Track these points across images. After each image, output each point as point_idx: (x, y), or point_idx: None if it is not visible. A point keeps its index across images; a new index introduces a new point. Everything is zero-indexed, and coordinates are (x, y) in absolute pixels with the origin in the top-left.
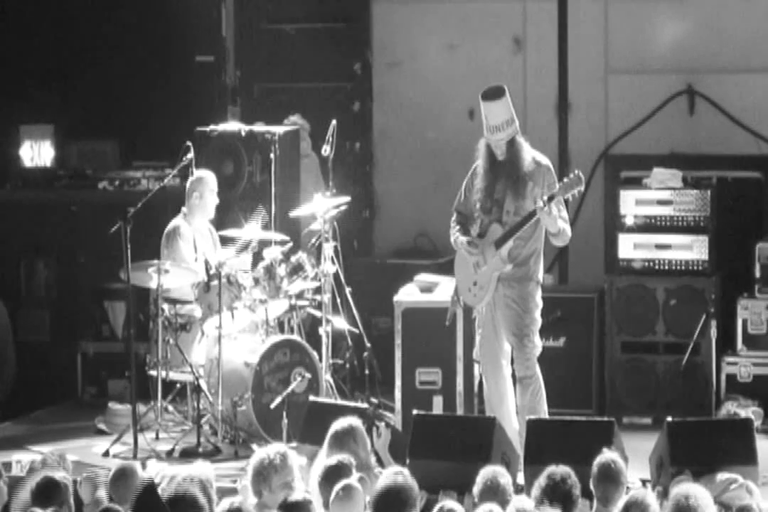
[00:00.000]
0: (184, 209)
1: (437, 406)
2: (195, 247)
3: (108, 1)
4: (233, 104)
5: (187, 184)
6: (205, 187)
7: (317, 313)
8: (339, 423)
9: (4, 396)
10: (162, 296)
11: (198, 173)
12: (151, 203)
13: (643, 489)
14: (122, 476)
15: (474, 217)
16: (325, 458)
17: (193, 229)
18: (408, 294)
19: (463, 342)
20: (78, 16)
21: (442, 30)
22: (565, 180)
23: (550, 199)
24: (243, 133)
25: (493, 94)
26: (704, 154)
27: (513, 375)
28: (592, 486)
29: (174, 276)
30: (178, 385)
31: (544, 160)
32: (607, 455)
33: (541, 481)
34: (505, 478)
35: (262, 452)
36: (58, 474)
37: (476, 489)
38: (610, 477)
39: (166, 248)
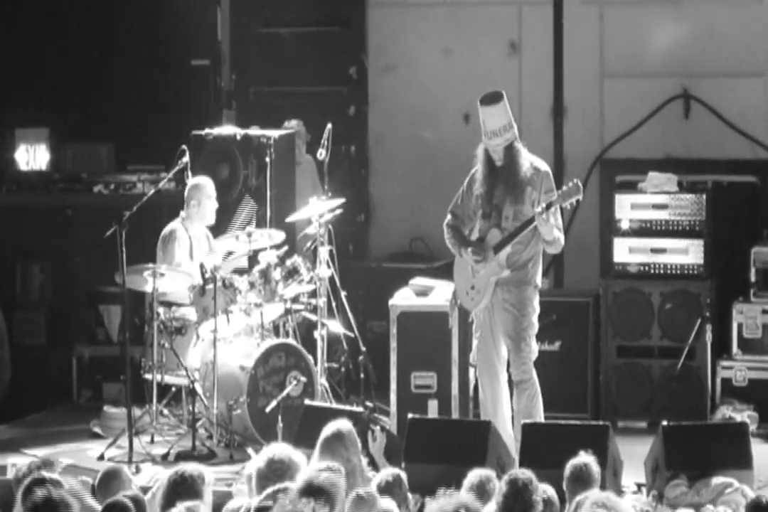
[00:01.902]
0: (182, 213)
1: (432, 410)
2: (191, 253)
3: (103, 5)
4: (228, 108)
5: (185, 192)
6: (203, 194)
7: (312, 317)
8: (328, 429)
9: None
10: (157, 299)
11: (195, 180)
12: (146, 207)
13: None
14: (108, 479)
15: (468, 220)
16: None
17: (190, 235)
18: (403, 298)
19: (458, 346)
20: (73, 19)
21: (437, 34)
22: (564, 188)
23: (548, 206)
24: (238, 137)
25: (491, 98)
26: (699, 158)
27: (509, 380)
28: (564, 488)
29: (169, 279)
30: (173, 389)
31: (543, 166)
32: (581, 458)
33: (502, 486)
34: (492, 482)
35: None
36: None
37: (463, 492)
38: (582, 480)
39: (161, 251)
